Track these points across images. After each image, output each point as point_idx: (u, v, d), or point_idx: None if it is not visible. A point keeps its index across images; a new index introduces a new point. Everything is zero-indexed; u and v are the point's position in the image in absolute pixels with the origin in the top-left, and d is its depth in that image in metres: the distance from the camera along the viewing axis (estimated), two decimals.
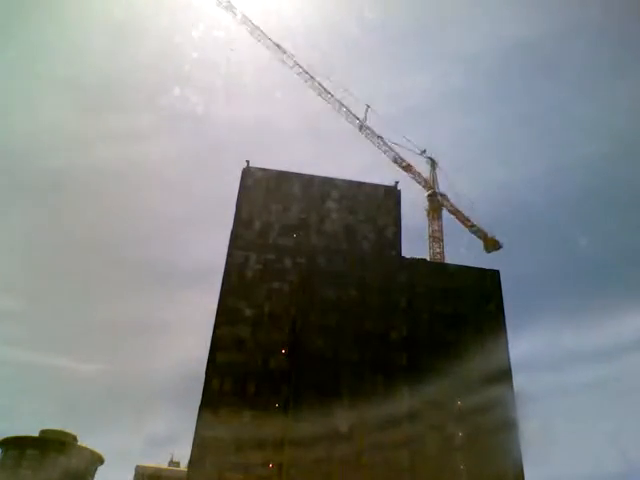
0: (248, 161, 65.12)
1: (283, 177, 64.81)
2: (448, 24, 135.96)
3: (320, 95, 75.08)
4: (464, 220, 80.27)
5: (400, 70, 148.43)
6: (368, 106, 76.32)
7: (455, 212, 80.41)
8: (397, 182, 68.90)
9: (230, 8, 75.27)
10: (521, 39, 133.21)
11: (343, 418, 45.37)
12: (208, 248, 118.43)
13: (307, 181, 64.78)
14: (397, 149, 77.58)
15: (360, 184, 66.48)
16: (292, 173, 65.30)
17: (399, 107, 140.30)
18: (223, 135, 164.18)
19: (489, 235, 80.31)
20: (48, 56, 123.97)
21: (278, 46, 75.10)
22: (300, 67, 74.86)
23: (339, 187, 64.64)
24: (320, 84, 74.93)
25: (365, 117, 76.38)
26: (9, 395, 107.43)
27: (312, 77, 74.95)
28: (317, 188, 64.49)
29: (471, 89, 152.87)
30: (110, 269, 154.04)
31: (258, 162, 65.93)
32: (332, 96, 75.16)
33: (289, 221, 61.69)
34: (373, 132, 76.52)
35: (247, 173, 64.41)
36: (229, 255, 58.26)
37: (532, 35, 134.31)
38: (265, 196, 63.12)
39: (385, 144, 76.78)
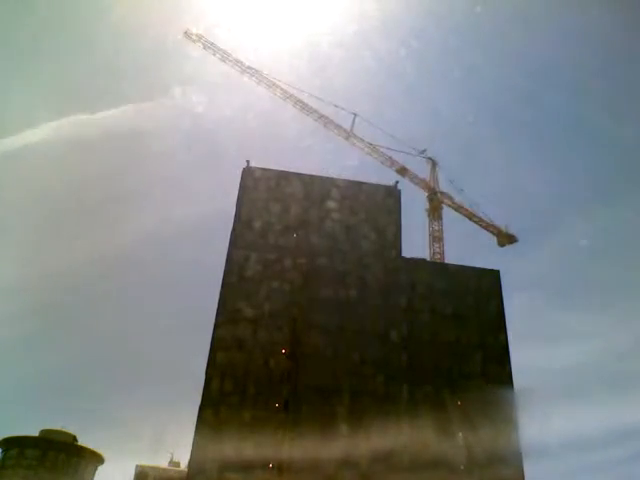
0: (248, 161, 64.96)
1: (283, 177, 64.69)
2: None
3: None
4: (471, 215, 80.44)
5: None
6: (355, 114, 77.38)
7: (458, 209, 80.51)
8: (397, 182, 69.00)
9: None
10: None
11: (343, 418, 45.47)
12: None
13: (307, 181, 64.72)
14: (391, 152, 77.91)
15: (360, 184, 66.34)
16: (292, 173, 65.17)
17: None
18: (223, 134, 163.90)
19: (504, 230, 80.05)
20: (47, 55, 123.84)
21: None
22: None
23: (339, 187, 64.53)
24: None
25: (352, 126, 77.31)
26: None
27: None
28: (317, 188, 64.38)
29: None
30: None
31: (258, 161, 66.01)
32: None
33: (289, 221, 61.54)
34: (362, 140, 77.50)
35: (247, 173, 64.35)
36: (229, 255, 58.19)
37: None
38: (265, 196, 63.04)
39: (376, 151, 77.74)
